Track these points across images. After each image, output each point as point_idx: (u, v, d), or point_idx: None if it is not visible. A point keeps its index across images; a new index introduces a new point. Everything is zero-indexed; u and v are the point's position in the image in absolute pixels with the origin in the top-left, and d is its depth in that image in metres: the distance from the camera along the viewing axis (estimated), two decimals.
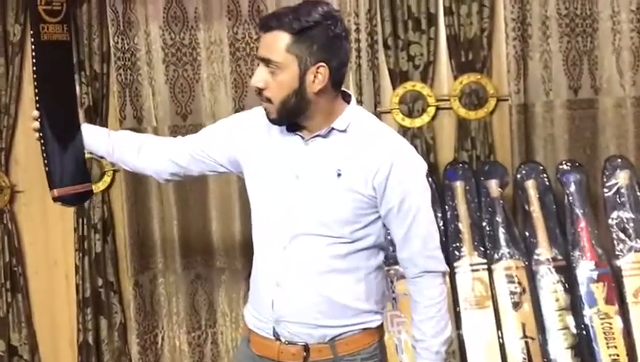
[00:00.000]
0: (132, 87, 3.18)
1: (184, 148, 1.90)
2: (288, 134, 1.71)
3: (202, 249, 3.23)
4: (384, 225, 1.73)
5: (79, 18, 3.11)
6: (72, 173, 1.96)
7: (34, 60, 1.87)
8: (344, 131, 1.68)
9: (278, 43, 1.60)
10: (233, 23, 3.10)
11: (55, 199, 1.95)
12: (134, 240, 3.22)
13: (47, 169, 1.91)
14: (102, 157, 2.03)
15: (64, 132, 1.92)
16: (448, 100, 3.11)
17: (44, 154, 1.90)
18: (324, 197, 1.66)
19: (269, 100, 1.64)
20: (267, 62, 1.62)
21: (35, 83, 1.89)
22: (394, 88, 3.10)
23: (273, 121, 1.68)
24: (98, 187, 3.18)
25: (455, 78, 3.08)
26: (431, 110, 3.10)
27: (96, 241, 3.24)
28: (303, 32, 1.59)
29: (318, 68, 1.61)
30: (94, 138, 1.97)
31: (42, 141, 1.89)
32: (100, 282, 3.26)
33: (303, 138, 1.70)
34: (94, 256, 3.25)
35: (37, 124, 1.92)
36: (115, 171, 3.23)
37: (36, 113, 1.91)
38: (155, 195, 3.21)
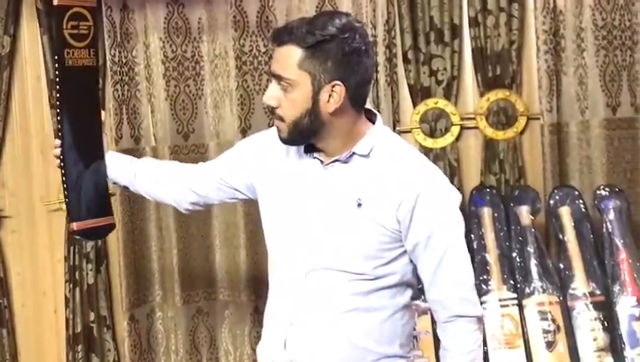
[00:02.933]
0: (129, 103, 3.15)
1: (202, 176, 1.90)
2: (307, 157, 1.67)
3: (204, 281, 3.19)
4: (411, 261, 1.66)
5: None
6: (93, 205, 1.97)
7: (57, 86, 1.89)
8: (367, 156, 1.62)
9: (289, 58, 1.55)
10: (240, 35, 3.07)
11: (74, 233, 1.96)
12: (130, 270, 3.17)
13: (66, 200, 1.93)
14: (125, 188, 2.02)
15: (87, 162, 1.94)
16: (474, 119, 3.06)
17: (65, 185, 1.91)
18: (344, 229, 1.61)
19: (281, 119, 1.60)
20: (279, 78, 1.58)
21: (58, 110, 1.92)
22: (414, 105, 3.07)
23: (284, 141, 1.64)
24: None
25: (481, 94, 3.05)
26: (455, 129, 3.05)
27: (88, 272, 3.20)
28: (316, 47, 1.53)
29: (333, 86, 1.56)
30: (118, 167, 1.98)
31: (63, 171, 1.91)
32: (92, 316, 3.22)
33: (322, 162, 1.65)
34: (86, 288, 3.21)
35: (58, 152, 1.92)
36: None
37: (58, 142, 1.92)
38: (154, 222, 3.17)
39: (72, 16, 1.88)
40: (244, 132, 3.05)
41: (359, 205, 1.59)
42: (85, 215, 1.94)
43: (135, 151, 3.13)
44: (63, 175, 1.91)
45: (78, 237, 2.00)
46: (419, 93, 3.04)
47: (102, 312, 3.22)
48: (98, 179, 1.96)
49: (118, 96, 3.11)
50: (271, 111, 1.63)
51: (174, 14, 3.11)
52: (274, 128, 1.72)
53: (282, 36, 1.56)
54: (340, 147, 1.62)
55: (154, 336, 3.23)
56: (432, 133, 3.05)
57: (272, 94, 1.59)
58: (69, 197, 1.91)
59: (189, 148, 3.13)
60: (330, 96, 1.56)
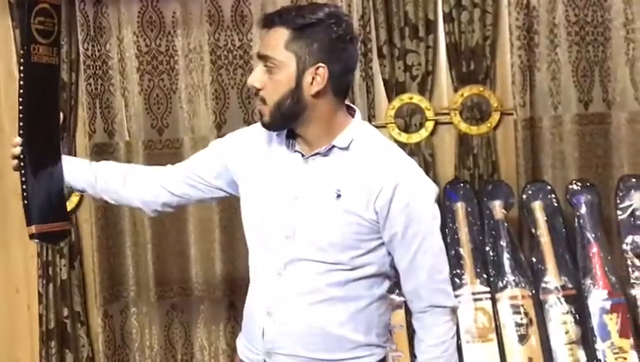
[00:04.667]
0: (103, 98, 3.16)
1: (176, 173, 1.91)
2: (289, 152, 1.72)
3: (179, 276, 3.20)
4: (389, 253, 1.71)
5: None
6: (52, 208, 1.95)
7: (21, 82, 1.87)
8: (346, 149, 1.67)
9: (278, 39, 1.62)
10: (214, 29, 3.09)
11: (32, 236, 1.92)
12: (104, 266, 3.18)
13: (25, 202, 1.89)
14: (82, 191, 2.02)
15: (46, 163, 1.91)
16: (448, 114, 3.10)
17: (24, 186, 1.88)
18: (323, 220, 1.66)
19: (264, 101, 1.65)
20: (265, 59, 1.64)
21: (20, 107, 1.87)
22: (389, 101, 3.10)
23: (266, 125, 1.68)
24: None
25: (456, 90, 3.08)
26: (429, 125, 3.09)
27: (61, 267, 3.20)
28: (304, 29, 1.61)
29: (317, 68, 1.62)
30: (74, 170, 1.96)
31: (22, 171, 1.87)
32: (66, 312, 3.22)
33: (303, 156, 1.70)
34: (59, 284, 3.20)
35: (17, 150, 1.88)
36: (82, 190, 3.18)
37: (18, 139, 1.88)
38: (128, 217, 3.18)
39: (40, 12, 1.87)
40: (219, 127, 3.08)
41: (338, 196, 1.64)
42: (44, 218, 1.91)
43: (109, 146, 3.16)
44: (21, 175, 1.87)
45: (37, 240, 1.96)
46: (394, 88, 3.08)
47: (76, 308, 3.22)
48: (56, 182, 1.92)
49: (92, 90, 3.12)
50: (255, 94, 1.67)
51: (148, 8, 3.12)
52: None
53: (272, 18, 1.64)
54: (320, 136, 1.67)
55: (128, 332, 3.24)
56: (406, 128, 3.09)
57: (257, 77, 1.65)
58: (27, 199, 1.87)
59: (164, 143, 3.14)
60: (313, 78, 1.62)
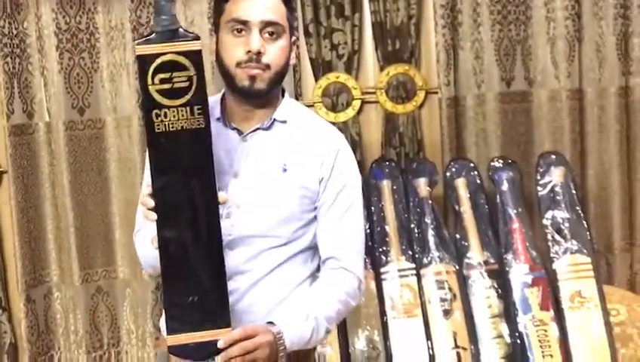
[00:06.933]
0: (21, 77, 3.10)
1: None
2: (224, 130, 1.71)
3: (104, 259, 3.19)
4: None
5: None
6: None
7: (148, 155, 1.51)
8: (285, 122, 1.72)
9: (279, 7, 1.65)
10: (136, 6, 3.07)
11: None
12: (25, 250, 3.13)
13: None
14: None
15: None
16: (375, 93, 3.16)
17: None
18: (268, 196, 1.68)
19: (267, 67, 1.64)
20: (272, 24, 1.64)
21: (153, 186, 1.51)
22: (316, 80, 3.14)
23: (260, 92, 1.66)
24: None
25: (381, 68, 3.14)
26: (356, 104, 3.15)
27: None
28: (291, 4, 1.69)
29: (294, 43, 1.70)
30: None
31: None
32: None
33: (240, 134, 1.71)
34: None
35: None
36: (1, 172, 3.14)
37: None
38: (49, 200, 3.15)
39: (162, 67, 1.46)
40: None
41: (284, 170, 1.67)
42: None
43: (28, 128, 3.12)
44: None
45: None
46: (320, 67, 3.11)
47: None
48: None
49: (9, 69, 3.05)
50: (256, 59, 1.62)
51: None
52: None
53: None
54: (265, 110, 1.70)
55: (52, 317, 3.21)
56: (333, 108, 3.14)
57: (260, 42, 1.62)
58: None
59: (85, 124, 3.11)
60: (294, 52, 1.70)
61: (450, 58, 3.08)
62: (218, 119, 1.72)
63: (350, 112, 3.15)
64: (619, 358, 2.85)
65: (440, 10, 3.06)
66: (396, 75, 3.13)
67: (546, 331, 2.87)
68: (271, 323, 1.58)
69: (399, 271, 2.93)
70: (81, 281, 3.17)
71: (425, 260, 2.95)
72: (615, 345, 2.85)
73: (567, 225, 2.96)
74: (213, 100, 1.75)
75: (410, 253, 2.95)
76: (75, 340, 3.21)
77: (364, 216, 1.84)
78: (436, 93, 3.13)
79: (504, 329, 2.89)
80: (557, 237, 2.97)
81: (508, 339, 2.87)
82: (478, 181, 3.02)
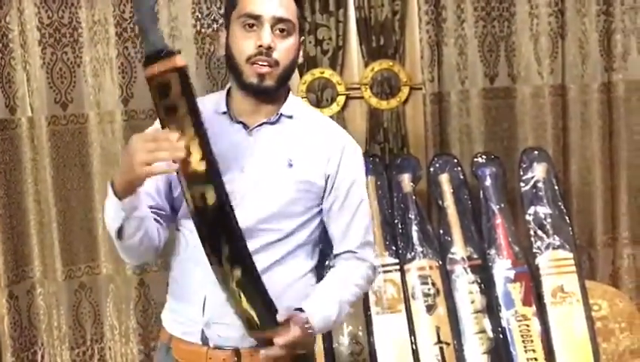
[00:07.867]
0: (3, 72, 3.08)
1: (150, 197, 1.75)
2: (230, 125, 1.73)
3: (87, 255, 3.18)
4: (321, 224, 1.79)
5: None
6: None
7: None
8: (291, 117, 1.74)
9: (291, 5, 1.69)
10: (119, 1, 3.06)
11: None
12: (8, 246, 3.11)
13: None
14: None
15: None
16: (359, 89, 3.18)
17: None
18: (273, 190, 1.70)
19: (276, 63, 1.66)
20: (285, 21, 1.67)
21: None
22: (301, 75, 3.15)
23: (267, 89, 1.68)
24: None
25: (366, 64, 3.16)
26: (341, 99, 3.17)
27: None
28: (301, 4, 1.74)
29: (302, 42, 1.74)
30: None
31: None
32: None
33: (246, 128, 1.72)
34: None
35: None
36: None
37: None
38: (32, 195, 3.13)
39: (161, 88, 1.51)
40: (126, 101, 3.07)
41: (290, 165, 1.70)
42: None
43: (10, 123, 3.11)
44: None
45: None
46: (305, 63, 3.13)
47: None
48: None
49: None
50: (266, 54, 1.64)
51: None
52: None
53: None
54: (271, 106, 1.73)
55: (35, 313, 3.20)
56: (318, 103, 3.16)
57: (271, 37, 1.65)
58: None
59: (68, 119, 3.10)
60: (300, 50, 1.73)
61: (434, 54, 3.10)
62: (224, 113, 1.74)
63: (335, 108, 3.17)
64: (600, 353, 2.89)
65: (424, 7, 3.09)
66: (380, 70, 3.15)
67: (528, 326, 2.91)
68: (300, 309, 1.66)
69: (383, 266, 2.95)
70: (64, 277, 3.16)
71: (408, 255, 2.98)
72: (597, 340, 2.89)
73: (549, 220, 3.00)
74: (218, 95, 1.79)
75: (393, 248, 2.98)
76: (58, 336, 3.21)
77: None
78: (420, 89, 3.15)
79: (487, 324, 2.92)
80: (539, 232, 3.01)
81: (491, 334, 2.91)
82: (462, 176, 3.06)
